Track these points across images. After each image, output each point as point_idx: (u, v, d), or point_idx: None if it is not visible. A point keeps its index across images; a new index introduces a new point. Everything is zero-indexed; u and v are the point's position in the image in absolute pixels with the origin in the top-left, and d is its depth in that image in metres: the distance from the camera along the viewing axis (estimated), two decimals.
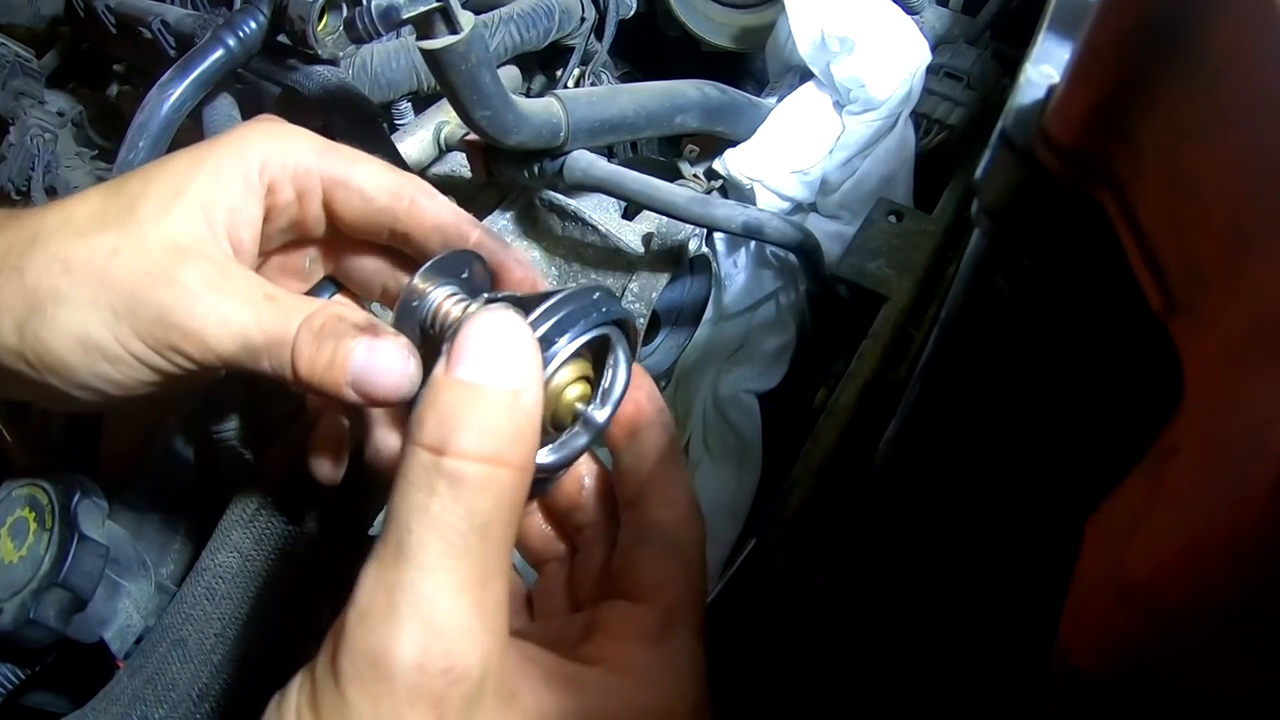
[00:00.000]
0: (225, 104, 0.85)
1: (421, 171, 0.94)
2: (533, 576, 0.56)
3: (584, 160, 0.76)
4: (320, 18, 0.78)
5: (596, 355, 0.48)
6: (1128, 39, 0.27)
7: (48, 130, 1.08)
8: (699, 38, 1.04)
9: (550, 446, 0.49)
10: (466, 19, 0.60)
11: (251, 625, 0.61)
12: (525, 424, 0.38)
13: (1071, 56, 0.29)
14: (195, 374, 0.49)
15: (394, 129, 0.96)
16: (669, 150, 1.02)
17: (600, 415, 0.49)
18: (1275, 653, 0.23)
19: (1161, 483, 0.25)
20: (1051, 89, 0.31)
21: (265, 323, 0.47)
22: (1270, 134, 0.23)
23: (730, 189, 0.90)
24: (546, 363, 0.43)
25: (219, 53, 0.79)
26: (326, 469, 0.56)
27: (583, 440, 0.49)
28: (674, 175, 0.91)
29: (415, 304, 0.49)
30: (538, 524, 0.55)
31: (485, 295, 0.50)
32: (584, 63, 1.03)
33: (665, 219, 0.81)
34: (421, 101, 0.98)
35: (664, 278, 0.81)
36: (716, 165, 0.89)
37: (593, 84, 1.02)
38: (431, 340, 0.49)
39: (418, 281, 0.49)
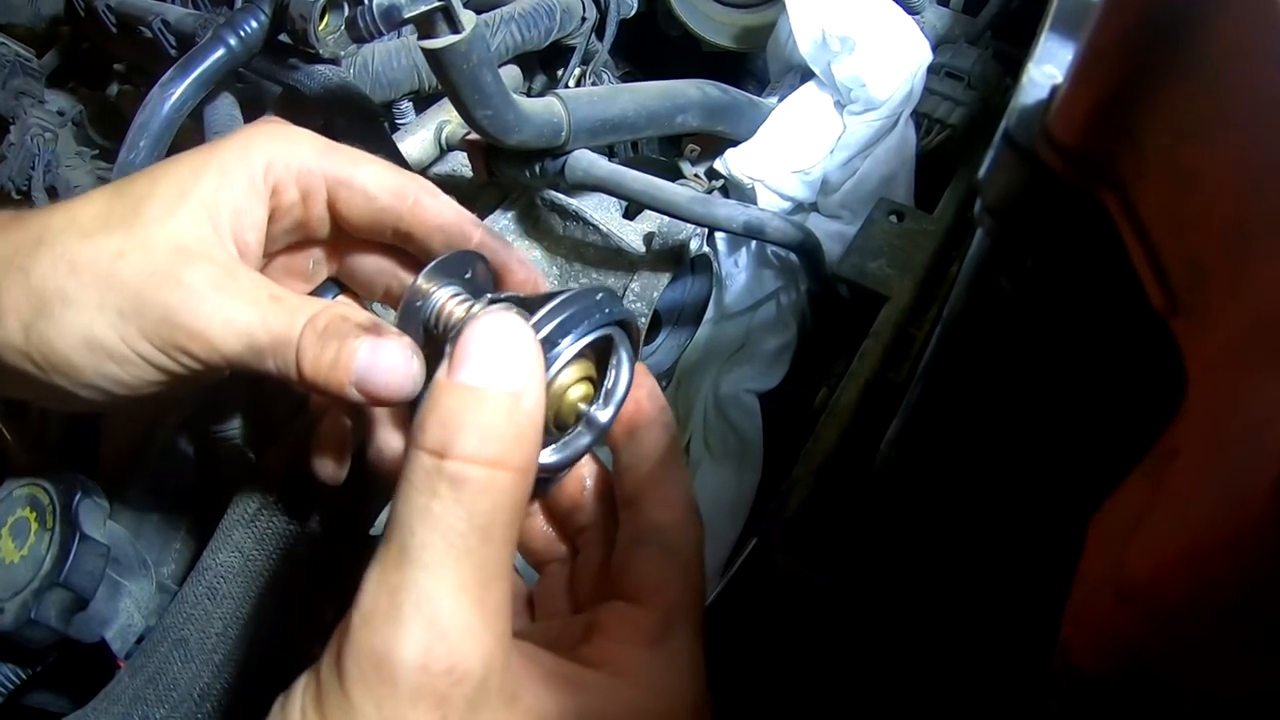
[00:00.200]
0: (226, 103, 0.86)
1: (422, 171, 0.94)
2: (534, 578, 0.56)
3: (585, 160, 0.76)
4: (321, 17, 0.78)
5: (599, 356, 0.49)
6: (1130, 38, 0.27)
7: (48, 130, 1.08)
8: (700, 37, 1.04)
9: (553, 446, 0.49)
10: (468, 18, 0.60)
11: (253, 625, 0.61)
12: (526, 426, 0.38)
13: (1074, 56, 0.29)
14: (201, 374, 0.49)
15: (395, 128, 0.96)
16: (670, 150, 1.02)
17: (603, 416, 0.49)
18: (1275, 653, 0.23)
19: (1163, 483, 0.25)
20: (1054, 89, 0.31)
21: (270, 323, 0.47)
22: (1270, 133, 0.23)
23: (731, 189, 0.90)
24: (550, 364, 0.43)
25: (220, 52, 0.79)
26: (329, 468, 0.57)
27: (585, 440, 0.49)
28: (675, 175, 0.91)
29: (419, 304, 0.49)
30: (539, 525, 0.55)
31: (489, 296, 0.50)
32: (585, 62, 1.03)
33: (666, 219, 0.81)
34: (423, 101, 0.98)
35: (665, 277, 0.81)
36: (717, 165, 0.89)
37: (594, 83, 1.02)
38: (435, 340, 0.49)
39: (421, 282, 0.49)
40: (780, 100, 0.90)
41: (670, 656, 0.45)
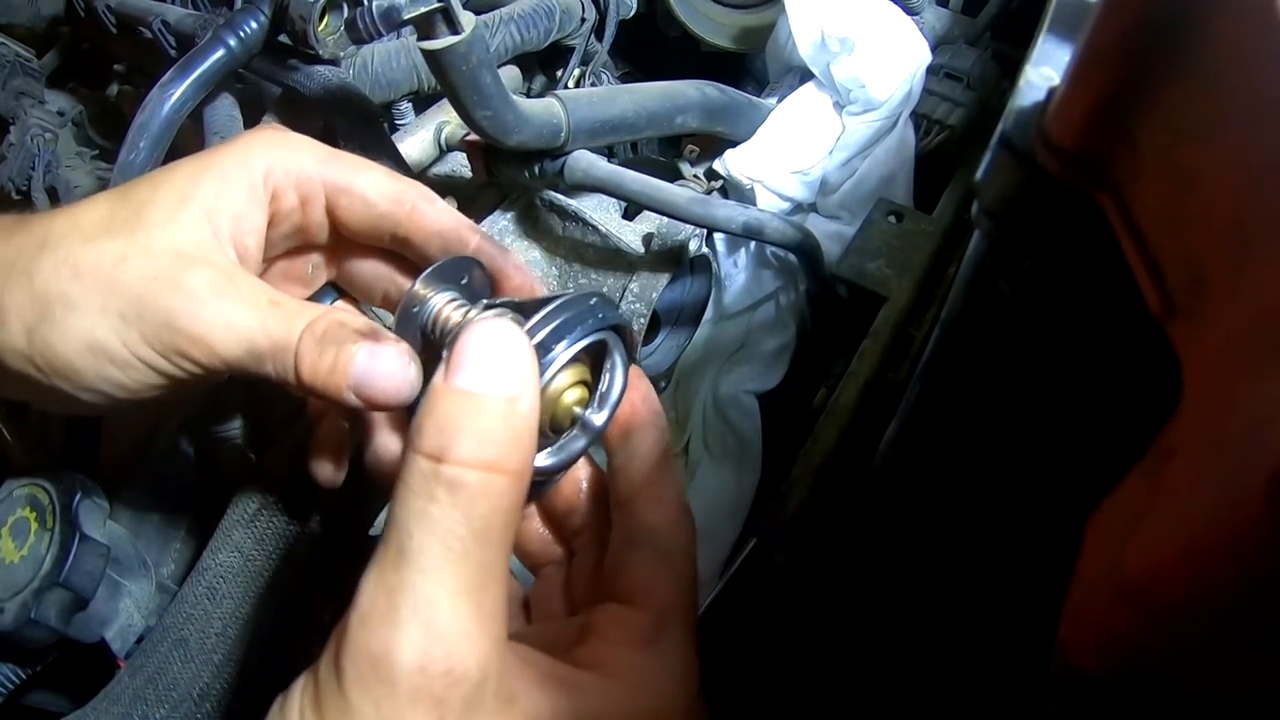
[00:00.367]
0: (226, 104, 0.86)
1: (422, 171, 0.94)
2: (530, 580, 0.56)
3: (584, 161, 0.76)
4: (321, 18, 0.78)
5: (594, 360, 0.49)
6: (1128, 39, 0.27)
7: (48, 130, 1.08)
8: (699, 38, 1.04)
9: (549, 450, 0.49)
10: (467, 19, 0.60)
11: (253, 625, 0.61)
12: (522, 430, 0.39)
13: (1072, 58, 0.29)
14: (201, 377, 0.49)
15: (395, 129, 0.97)
16: (669, 150, 1.02)
17: (598, 419, 0.49)
18: (1274, 651, 0.23)
19: (1160, 483, 0.26)
20: (1051, 91, 0.31)
21: (269, 328, 0.47)
22: (1270, 133, 0.23)
23: (730, 189, 0.90)
24: (544, 368, 0.43)
25: (220, 53, 0.79)
26: (327, 471, 0.57)
27: (580, 443, 0.50)
28: (674, 176, 0.92)
29: (416, 310, 0.50)
30: (535, 528, 0.55)
31: (485, 301, 0.50)
32: (584, 63, 1.03)
33: (665, 219, 0.81)
34: (422, 101, 0.98)
35: (664, 278, 0.81)
36: (717, 165, 0.89)
37: (593, 84, 1.02)
38: (432, 345, 0.50)
39: (418, 288, 0.50)
40: (779, 101, 0.90)
41: (663, 657, 0.46)
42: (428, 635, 0.36)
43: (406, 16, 0.58)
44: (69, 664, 0.69)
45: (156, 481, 0.74)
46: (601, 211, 0.84)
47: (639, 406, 0.51)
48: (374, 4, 0.63)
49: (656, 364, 0.93)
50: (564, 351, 0.44)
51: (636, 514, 0.49)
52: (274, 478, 0.63)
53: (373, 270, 0.58)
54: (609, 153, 0.97)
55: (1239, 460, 0.22)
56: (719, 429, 0.87)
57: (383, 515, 0.57)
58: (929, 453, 0.49)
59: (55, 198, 1.04)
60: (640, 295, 0.81)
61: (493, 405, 0.38)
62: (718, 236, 0.90)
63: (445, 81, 0.63)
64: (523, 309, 0.47)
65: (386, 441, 0.54)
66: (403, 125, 0.96)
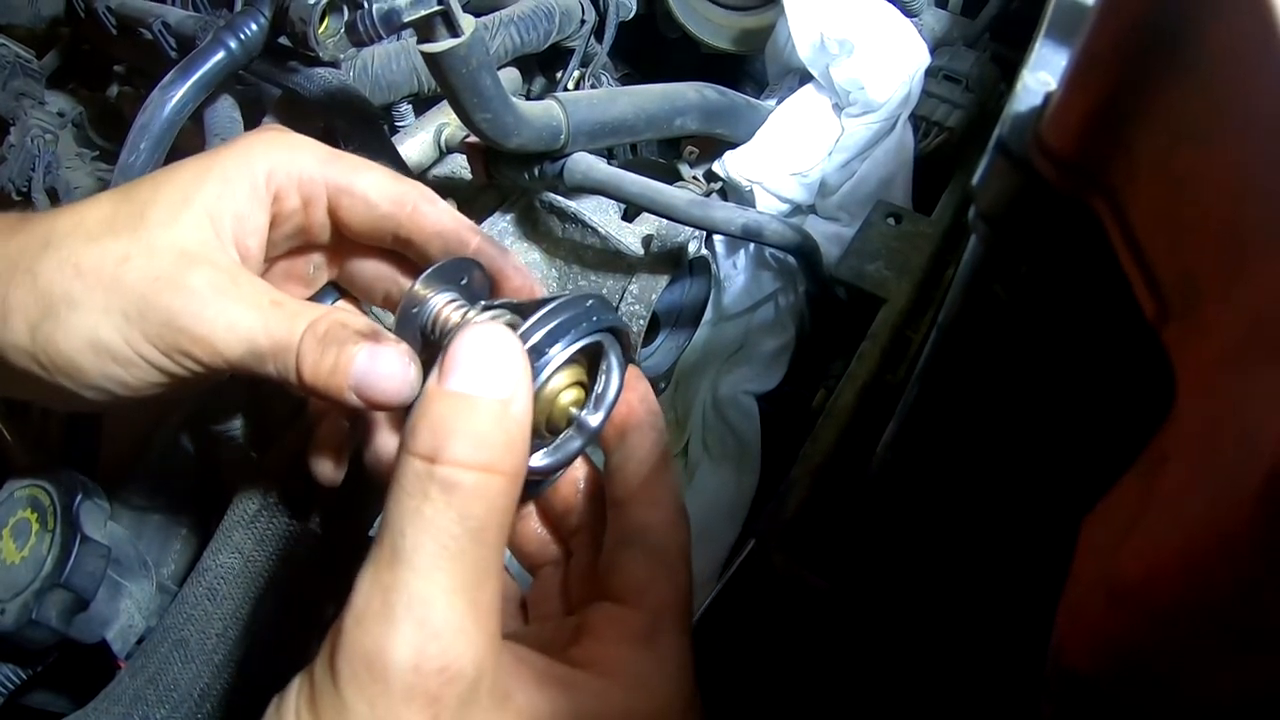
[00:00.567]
0: (226, 106, 0.86)
1: (422, 173, 0.94)
2: (528, 581, 0.56)
3: (584, 163, 0.76)
4: (321, 20, 0.78)
5: (591, 361, 0.49)
6: (1125, 43, 0.27)
7: (48, 131, 1.08)
8: (699, 40, 1.04)
9: (545, 450, 0.50)
10: (467, 22, 0.60)
11: (253, 625, 0.61)
12: (515, 432, 0.39)
13: (1068, 63, 0.30)
14: (203, 376, 0.50)
15: (394, 131, 0.97)
16: (669, 152, 1.02)
17: (594, 420, 0.50)
18: (1268, 653, 0.23)
19: (1155, 486, 0.26)
20: (1048, 96, 0.31)
21: (271, 328, 0.48)
22: (1265, 137, 0.23)
23: (730, 191, 0.91)
24: (540, 369, 0.44)
25: (220, 55, 0.79)
26: (328, 470, 0.57)
27: (577, 444, 0.50)
28: (674, 177, 0.92)
29: (415, 310, 0.50)
30: (533, 527, 0.55)
31: (483, 302, 0.51)
32: (584, 65, 1.03)
33: (665, 221, 0.81)
34: (422, 103, 0.98)
35: (664, 279, 0.81)
36: (716, 167, 0.89)
37: (593, 86, 1.02)
38: (432, 346, 0.50)
39: (418, 288, 0.50)
40: (779, 103, 0.90)
41: (659, 657, 0.46)
42: (422, 633, 0.36)
43: (407, 19, 0.59)
44: (70, 664, 0.69)
45: (157, 481, 0.74)
46: (601, 213, 0.84)
47: (636, 407, 0.52)
48: (374, 7, 0.63)
49: (656, 365, 0.93)
50: (560, 353, 0.44)
51: (632, 514, 0.49)
52: (274, 478, 0.63)
53: (374, 270, 0.58)
54: (608, 155, 0.97)
55: (1232, 464, 0.22)
56: (718, 430, 0.88)
57: (380, 518, 0.57)
58: (927, 454, 0.49)
59: (55, 198, 1.04)
60: (640, 297, 0.81)
61: (486, 407, 0.38)
62: (717, 238, 0.90)
63: (445, 84, 0.63)
64: (521, 310, 0.47)
65: (387, 441, 0.54)
66: (402, 127, 0.97)
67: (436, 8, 0.58)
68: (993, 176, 0.33)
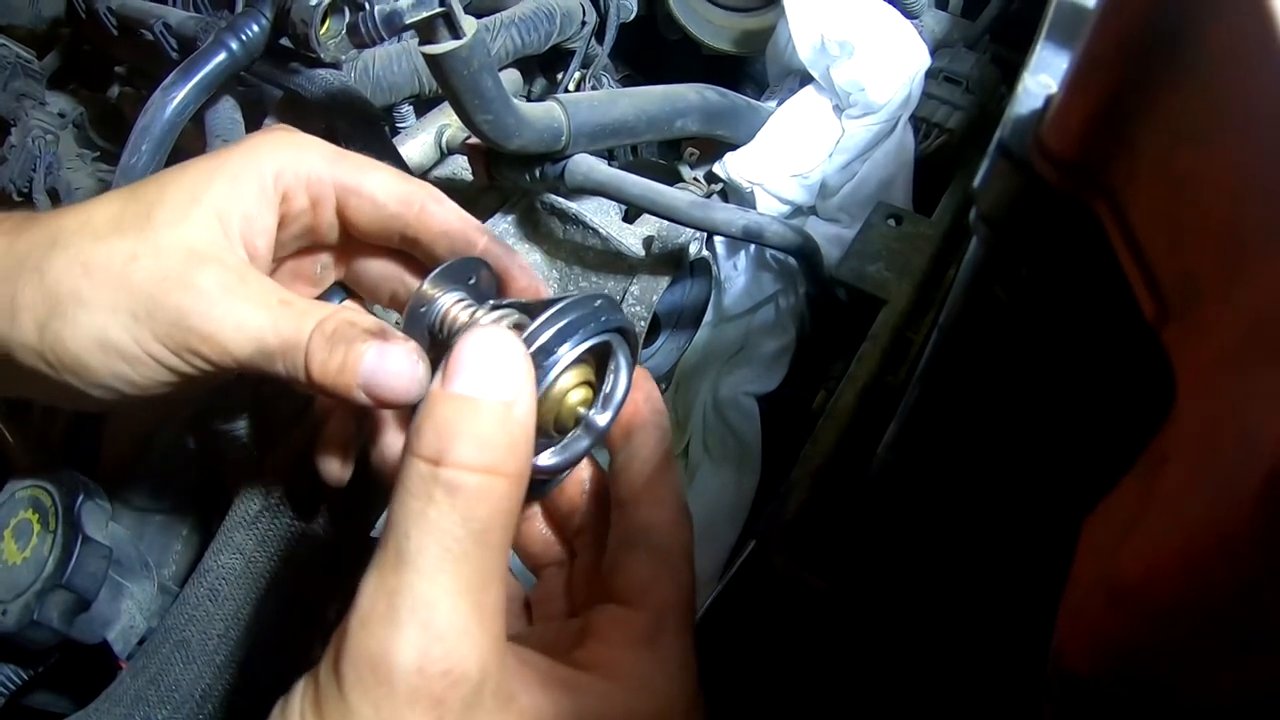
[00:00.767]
0: (227, 107, 0.86)
1: (423, 175, 0.94)
2: (532, 582, 0.56)
3: (585, 164, 0.76)
4: (323, 21, 0.78)
5: (599, 361, 0.49)
6: (1126, 45, 0.27)
7: (49, 132, 1.08)
8: (699, 41, 1.04)
9: (552, 449, 0.50)
10: (469, 24, 0.60)
11: (255, 626, 0.61)
12: (519, 434, 0.39)
13: (1069, 66, 0.30)
14: (210, 375, 0.50)
15: (395, 132, 0.97)
16: (669, 154, 1.02)
17: (601, 419, 0.49)
18: (1268, 653, 0.23)
19: (1155, 486, 0.26)
20: (1049, 99, 0.31)
21: (280, 327, 0.48)
22: (1265, 138, 0.23)
23: (730, 192, 0.91)
24: (548, 369, 0.44)
25: (221, 56, 0.79)
26: (334, 469, 0.57)
27: (584, 443, 0.50)
28: (674, 179, 0.92)
29: (423, 309, 0.50)
30: (538, 528, 0.55)
31: (491, 302, 0.51)
32: (585, 66, 1.03)
33: (666, 222, 0.81)
34: (423, 104, 0.98)
35: (664, 280, 0.81)
36: (717, 169, 0.89)
37: (593, 87, 1.02)
38: (440, 345, 0.50)
39: (426, 288, 0.50)
40: (779, 104, 0.90)
41: (662, 658, 0.46)
42: (426, 635, 0.36)
43: (408, 21, 0.59)
44: (71, 665, 0.69)
45: (158, 482, 0.74)
46: (602, 215, 0.84)
47: (642, 407, 0.52)
48: (376, 8, 0.63)
49: (657, 366, 0.94)
50: (568, 353, 0.45)
51: (636, 514, 0.50)
52: (280, 475, 0.63)
53: (381, 270, 0.58)
54: (609, 156, 0.97)
55: (1232, 465, 0.22)
56: (719, 431, 0.88)
57: (383, 518, 0.58)
58: (927, 456, 0.49)
59: (57, 199, 1.04)
60: (640, 298, 0.81)
61: (489, 409, 0.38)
62: (717, 239, 0.90)
63: (446, 85, 0.63)
64: (529, 310, 0.47)
65: (393, 441, 0.54)
66: (404, 128, 0.97)
67: (438, 9, 0.58)
68: (994, 178, 0.33)
